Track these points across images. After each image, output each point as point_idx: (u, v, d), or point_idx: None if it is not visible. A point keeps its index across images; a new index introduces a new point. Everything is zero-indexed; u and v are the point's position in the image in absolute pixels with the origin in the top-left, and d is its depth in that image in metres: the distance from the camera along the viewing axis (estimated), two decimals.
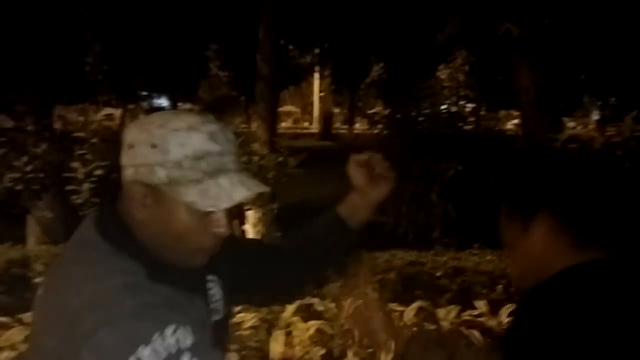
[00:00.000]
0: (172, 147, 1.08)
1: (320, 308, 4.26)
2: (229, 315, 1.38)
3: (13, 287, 4.55)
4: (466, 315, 4.23)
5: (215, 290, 1.31)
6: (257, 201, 5.16)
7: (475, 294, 4.50)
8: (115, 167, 4.10)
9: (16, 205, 5.15)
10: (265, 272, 1.51)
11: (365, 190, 1.53)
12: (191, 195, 1.09)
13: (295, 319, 4.12)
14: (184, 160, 1.09)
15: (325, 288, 4.70)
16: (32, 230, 5.30)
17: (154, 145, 1.08)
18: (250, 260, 1.49)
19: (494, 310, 4.31)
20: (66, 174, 4.96)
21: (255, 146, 5.32)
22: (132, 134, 1.13)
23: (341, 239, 1.56)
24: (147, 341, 1.00)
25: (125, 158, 1.13)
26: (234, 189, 1.10)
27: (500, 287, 4.56)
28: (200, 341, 1.06)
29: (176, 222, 1.11)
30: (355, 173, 1.53)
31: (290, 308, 4.22)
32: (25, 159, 4.84)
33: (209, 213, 1.12)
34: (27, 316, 4.20)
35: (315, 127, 27.45)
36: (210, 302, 1.29)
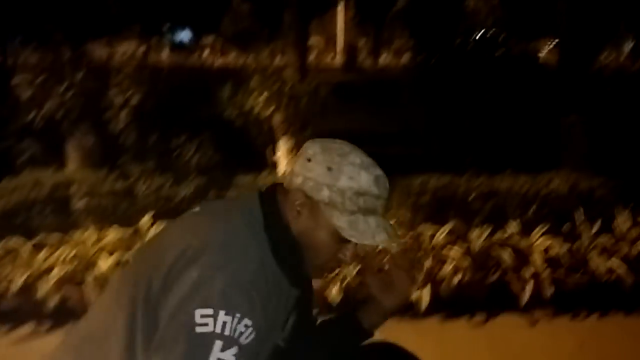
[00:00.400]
0: (344, 176, 1.27)
1: None
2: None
3: (59, 208, 4.74)
4: (498, 236, 4.32)
5: (290, 320, 1.44)
6: (289, 129, 5.22)
7: (507, 215, 4.57)
8: (147, 96, 4.19)
9: (56, 132, 5.30)
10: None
11: (379, 300, 1.54)
12: (342, 221, 1.27)
13: None
14: (348, 191, 1.27)
15: None
16: (72, 156, 5.46)
17: (329, 169, 1.28)
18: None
19: (525, 231, 4.39)
20: (103, 103, 5.09)
21: (288, 73, 5.34)
22: (313, 150, 1.31)
23: (356, 342, 1.58)
24: (230, 311, 1.13)
25: (300, 168, 1.31)
26: (377, 231, 1.28)
27: (532, 209, 4.61)
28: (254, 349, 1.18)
29: (317, 236, 1.30)
30: (371, 281, 1.56)
31: None
32: (63, 87, 4.94)
33: (344, 241, 1.28)
34: (75, 235, 4.41)
35: (339, 61, 27.08)
36: (284, 327, 1.42)
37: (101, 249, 4.24)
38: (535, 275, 4.08)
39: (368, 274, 1.55)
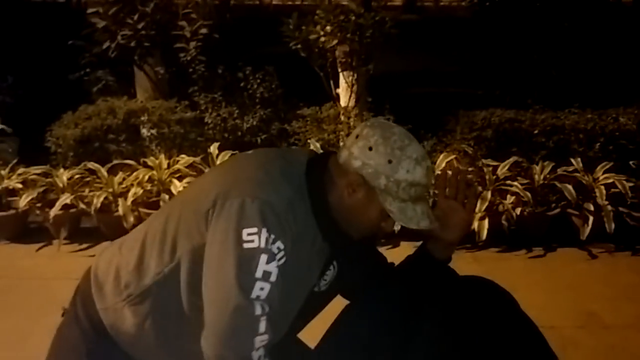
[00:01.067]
0: (402, 169, 1.38)
1: None
2: (328, 295, 1.62)
3: (132, 136, 4.96)
4: (561, 171, 4.31)
5: (329, 273, 1.58)
6: (352, 62, 5.22)
7: (571, 151, 4.53)
8: (214, 29, 4.23)
9: (128, 62, 5.47)
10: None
11: (439, 235, 1.61)
12: (393, 207, 1.40)
13: None
14: (404, 182, 1.38)
15: (420, 144, 4.86)
16: (142, 86, 5.64)
17: (390, 161, 1.38)
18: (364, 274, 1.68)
19: (589, 168, 4.37)
20: (174, 32, 5.20)
21: (352, 5, 5.29)
22: (375, 139, 1.40)
23: (435, 273, 1.67)
24: (269, 230, 1.28)
25: (360, 153, 1.40)
26: (422, 217, 1.42)
27: (597, 145, 4.56)
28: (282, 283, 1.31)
29: (366, 213, 1.43)
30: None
31: None
32: (135, 17, 5.07)
33: (388, 217, 1.42)
34: (148, 160, 4.62)
35: None
36: (321, 275, 1.55)
37: (173, 174, 4.45)
38: (598, 211, 4.08)
39: None
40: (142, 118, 4.99)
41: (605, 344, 3.00)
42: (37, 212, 4.50)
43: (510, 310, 1.60)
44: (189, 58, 5.15)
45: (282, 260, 1.32)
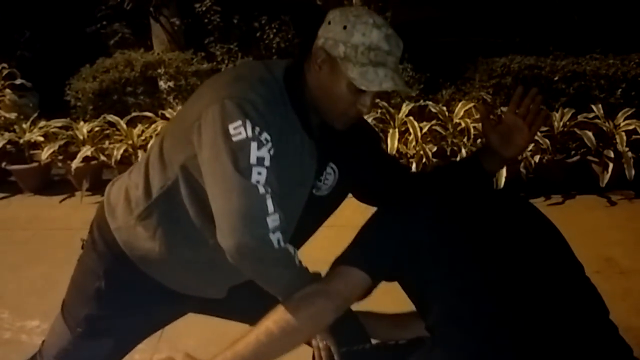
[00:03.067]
0: (357, 33, 1.38)
1: (434, 110, 4.41)
2: (332, 200, 1.62)
3: (149, 88, 4.97)
4: (581, 118, 4.26)
5: (330, 177, 1.58)
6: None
7: (592, 98, 4.47)
8: None
9: (144, 13, 5.44)
10: (378, 184, 1.67)
11: (499, 151, 1.58)
12: (354, 73, 1.38)
13: (410, 118, 4.32)
14: (361, 46, 1.37)
15: (439, 92, 4.83)
16: (158, 37, 5.62)
17: (345, 27, 1.38)
18: (376, 171, 1.66)
19: (610, 114, 4.31)
20: None
21: None
22: (334, 14, 1.42)
23: (473, 179, 1.65)
24: (253, 122, 1.32)
25: (322, 30, 1.42)
26: (385, 80, 1.39)
27: (619, 91, 4.49)
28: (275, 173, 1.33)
29: (336, 88, 1.42)
30: (490, 135, 1.59)
31: (405, 109, 4.41)
32: None
33: (360, 92, 1.41)
34: (166, 112, 4.64)
35: None
36: (319, 178, 1.55)
37: None
38: (618, 157, 4.04)
39: (487, 130, 1.60)
40: (159, 70, 4.99)
41: (621, 288, 3.02)
42: (59, 164, 4.58)
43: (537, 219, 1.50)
44: (204, 8, 5.11)
45: (272, 151, 1.35)
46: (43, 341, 1.78)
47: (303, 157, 1.49)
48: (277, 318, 1.32)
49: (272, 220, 1.30)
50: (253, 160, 1.31)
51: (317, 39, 1.43)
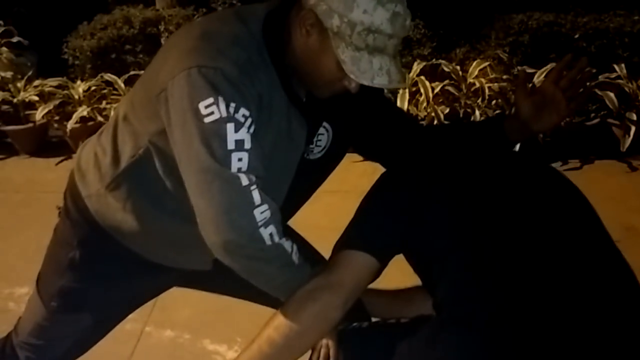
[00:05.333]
0: (357, 8, 1.14)
1: (446, 69, 4.20)
2: (327, 162, 1.44)
3: (149, 45, 4.78)
4: (602, 78, 4.03)
5: (323, 138, 1.39)
6: None
7: (615, 57, 4.21)
8: None
9: None
10: (383, 137, 1.50)
11: (528, 122, 1.42)
12: (345, 55, 1.17)
13: (421, 78, 4.10)
14: (359, 25, 1.14)
15: (452, 51, 4.60)
16: None
17: None
18: (380, 122, 1.49)
19: (634, 74, 4.07)
20: None
21: None
22: None
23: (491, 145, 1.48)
24: (227, 98, 1.13)
25: None
26: (378, 74, 1.18)
27: None
28: (257, 144, 1.17)
29: (321, 62, 1.21)
30: (522, 103, 1.41)
31: (416, 68, 4.19)
32: None
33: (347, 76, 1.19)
34: None
35: None
36: (311, 142, 1.37)
37: None
38: None
39: (520, 97, 1.43)
40: (160, 27, 4.79)
41: None
42: (55, 125, 4.43)
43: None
44: None
45: (253, 127, 1.17)
46: (19, 318, 1.67)
47: (290, 123, 1.30)
48: (278, 324, 1.17)
49: (261, 213, 1.14)
50: (231, 145, 1.14)
51: None
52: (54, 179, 4.06)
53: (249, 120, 1.16)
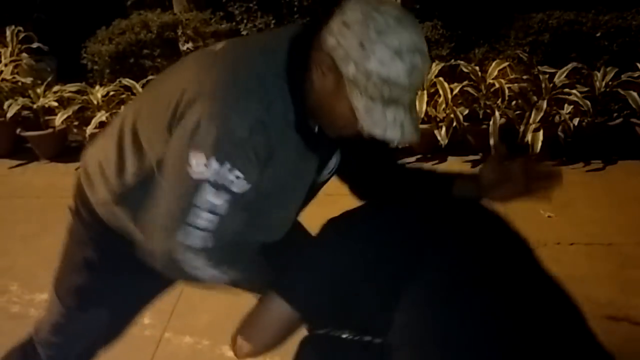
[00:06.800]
0: (374, 58, 1.11)
1: (465, 70, 4.15)
2: (328, 179, 1.47)
3: (167, 50, 4.79)
4: (625, 77, 3.96)
5: (332, 162, 1.41)
6: None
7: (637, 55, 4.14)
8: None
9: None
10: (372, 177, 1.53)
11: (484, 187, 1.43)
12: (359, 104, 1.15)
13: (439, 79, 4.06)
14: (375, 76, 1.12)
15: (471, 51, 4.55)
16: None
17: (362, 45, 1.11)
18: (372, 164, 1.51)
19: None
20: None
21: None
22: (355, 16, 1.14)
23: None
24: (221, 159, 1.15)
25: (336, 27, 1.15)
26: (392, 127, 1.16)
27: None
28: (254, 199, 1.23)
29: (336, 105, 1.20)
30: (486, 174, 1.43)
31: (434, 69, 4.15)
32: None
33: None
34: None
35: None
36: (323, 168, 1.39)
37: None
38: None
39: (489, 161, 1.45)
40: (178, 31, 4.80)
41: None
42: (75, 130, 4.45)
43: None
44: None
45: (244, 190, 1.19)
46: (39, 318, 1.68)
47: (302, 157, 1.30)
48: None
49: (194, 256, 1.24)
50: (200, 202, 1.19)
51: (328, 32, 1.16)
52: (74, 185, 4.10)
53: (242, 182, 1.18)
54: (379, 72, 1.11)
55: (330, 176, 1.45)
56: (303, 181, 1.36)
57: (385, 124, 1.16)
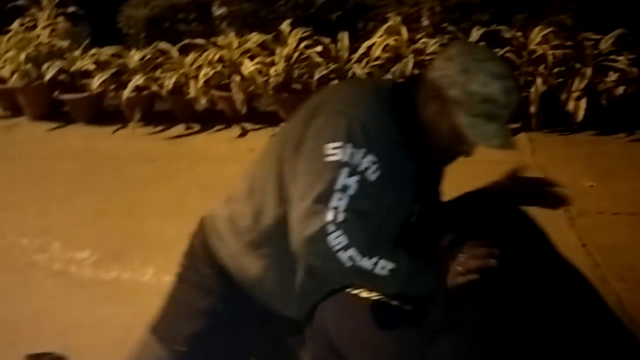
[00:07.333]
0: (476, 81, 1.34)
1: (507, 35, 4.04)
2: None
3: (201, 14, 4.77)
4: None
5: (417, 207, 1.51)
6: None
7: None
8: None
9: None
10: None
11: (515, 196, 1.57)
12: (464, 121, 1.36)
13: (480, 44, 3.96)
14: (477, 95, 1.34)
15: (513, 16, 4.42)
16: None
17: (465, 71, 1.35)
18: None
19: None
20: None
21: None
22: (457, 50, 1.42)
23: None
24: (356, 145, 1.31)
25: (440, 63, 1.40)
26: (492, 138, 1.37)
27: None
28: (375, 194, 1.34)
29: (442, 126, 1.39)
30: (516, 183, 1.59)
31: (475, 34, 4.05)
32: None
33: (463, 139, 1.38)
34: (218, 39, 4.44)
35: None
36: (415, 202, 1.49)
37: (243, 53, 4.26)
38: None
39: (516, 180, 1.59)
40: None
41: None
42: (111, 94, 4.47)
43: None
44: None
45: (375, 175, 1.33)
46: None
47: (405, 181, 1.44)
48: None
49: (335, 238, 1.28)
50: (338, 186, 1.29)
51: (432, 69, 1.41)
52: (110, 147, 4.13)
53: (375, 166, 1.32)
54: (481, 92, 1.34)
55: (417, 214, 1.52)
56: (404, 204, 1.47)
57: (488, 135, 1.36)
